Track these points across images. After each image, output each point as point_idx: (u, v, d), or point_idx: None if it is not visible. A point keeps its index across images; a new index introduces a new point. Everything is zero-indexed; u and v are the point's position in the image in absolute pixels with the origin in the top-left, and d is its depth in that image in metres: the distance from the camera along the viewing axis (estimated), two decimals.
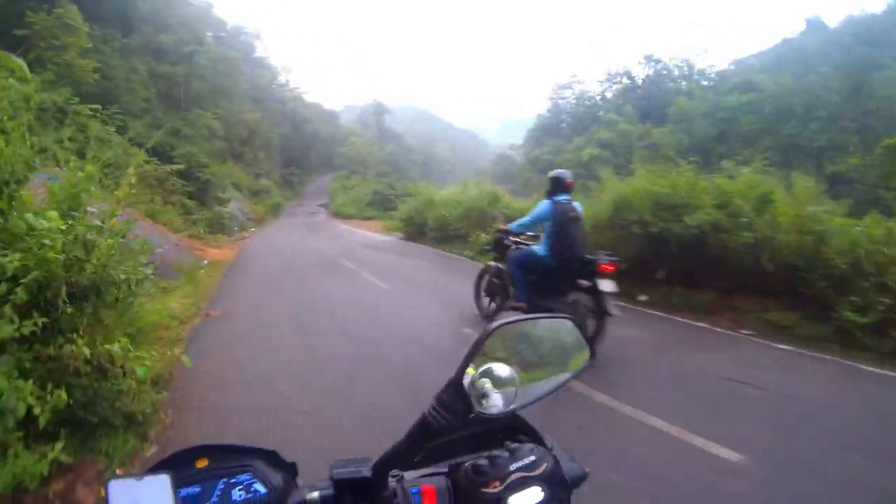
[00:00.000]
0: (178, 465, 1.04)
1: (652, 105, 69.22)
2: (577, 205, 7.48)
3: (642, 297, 10.32)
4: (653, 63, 76.48)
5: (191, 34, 45.83)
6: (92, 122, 16.09)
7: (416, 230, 23.00)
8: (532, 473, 0.95)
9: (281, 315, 9.69)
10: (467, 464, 0.98)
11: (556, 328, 1.12)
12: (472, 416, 0.89)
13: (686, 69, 75.04)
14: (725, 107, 56.97)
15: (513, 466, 0.95)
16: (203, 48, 45.13)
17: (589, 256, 6.99)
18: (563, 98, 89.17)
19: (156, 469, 0.98)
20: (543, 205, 7.38)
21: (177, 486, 0.90)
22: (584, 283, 6.86)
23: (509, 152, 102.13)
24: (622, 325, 7.25)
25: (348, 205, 43.74)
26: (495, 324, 0.95)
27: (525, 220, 7.78)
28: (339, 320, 9.26)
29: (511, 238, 8.21)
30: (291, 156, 69.36)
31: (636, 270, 10.28)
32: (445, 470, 1.04)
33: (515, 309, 7.46)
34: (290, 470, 1.11)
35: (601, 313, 6.70)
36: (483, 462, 0.97)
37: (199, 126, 37.75)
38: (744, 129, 52.90)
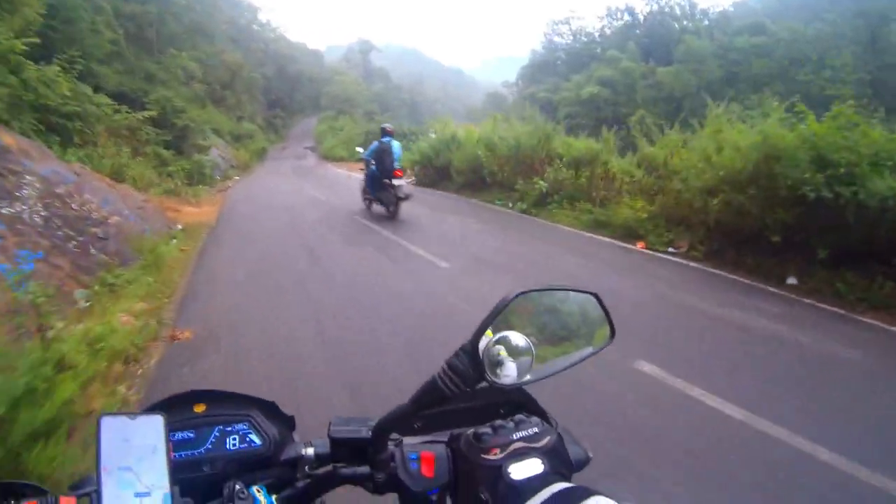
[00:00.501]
0: (174, 407, 1.04)
1: (655, 43, 66.11)
2: (393, 143, 13.91)
3: (791, 281, 8.56)
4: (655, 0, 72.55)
5: None
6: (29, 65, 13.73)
7: (435, 175, 20.80)
8: (534, 445, 0.90)
9: (298, 337, 6.10)
10: (469, 431, 0.94)
11: (578, 302, 1.03)
12: (482, 384, 0.84)
13: (688, 8, 71.39)
14: (736, 48, 54.67)
15: (515, 436, 0.90)
16: None
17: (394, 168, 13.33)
18: (559, 34, 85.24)
19: (152, 409, 0.96)
20: (374, 144, 14.40)
21: (171, 428, 0.89)
22: (387, 181, 13.41)
23: (501, 90, 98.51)
24: (776, 322, 6.71)
25: (338, 147, 41.33)
26: (516, 291, 0.87)
27: (367, 153, 14.53)
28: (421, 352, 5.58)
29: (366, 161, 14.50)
30: (276, 98, 66.16)
31: (782, 246, 8.59)
32: (445, 440, 1.00)
33: (365, 197, 15.20)
34: (287, 423, 1.11)
35: (396, 198, 13.28)
36: (485, 429, 0.92)
37: (174, 69, 35.01)
38: (754, 72, 51.27)
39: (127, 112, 23.08)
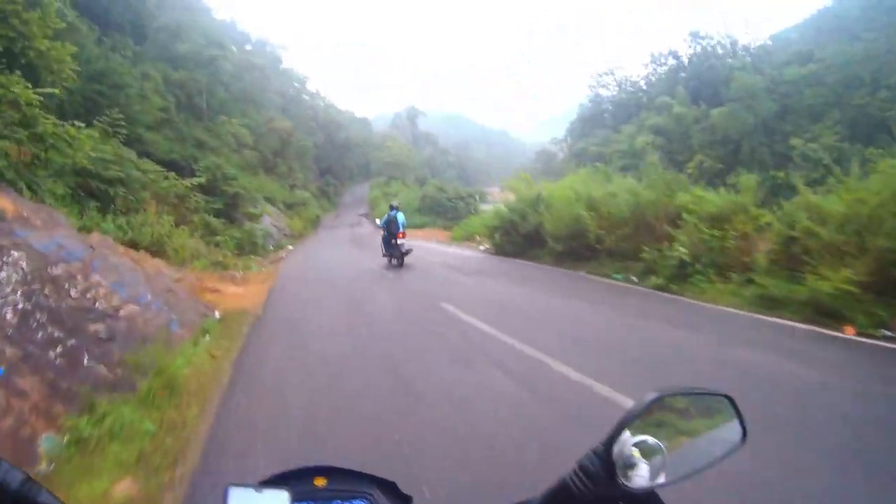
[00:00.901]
0: (296, 479, 1.07)
1: (703, 85, 62.85)
2: (398, 215, 17.40)
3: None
4: (699, 40, 69.65)
5: (212, 43, 41.28)
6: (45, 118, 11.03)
7: (522, 242, 17.16)
8: None
9: None
10: None
11: (711, 404, 1.05)
12: (613, 487, 0.83)
13: (729, 45, 68.21)
14: (787, 80, 51.03)
15: None
16: (225, 52, 40.59)
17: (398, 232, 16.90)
18: (604, 86, 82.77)
19: (275, 480, 1.04)
20: (386, 215, 18.06)
21: (292, 500, 0.90)
22: (394, 242, 16.82)
23: (549, 147, 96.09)
24: None
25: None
26: (652, 395, 0.89)
27: (381, 223, 18.39)
28: None
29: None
30: (327, 165, 64.99)
31: None
32: None
33: (383, 254, 17.62)
34: (405, 502, 1.11)
35: (401, 252, 16.52)
36: None
37: (224, 136, 33.27)
38: (807, 102, 47.82)
39: (175, 179, 21.11)
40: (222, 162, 29.41)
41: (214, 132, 33.47)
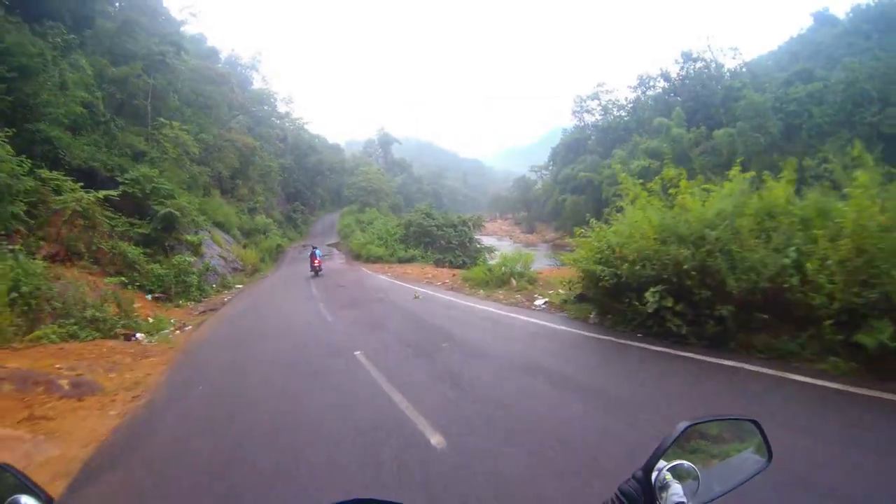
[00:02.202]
0: None
1: (700, 105, 57.75)
2: (316, 251, 24.06)
3: None
4: (691, 61, 64.49)
5: (167, 41, 33.80)
6: None
7: (607, 297, 9.09)
8: None
9: None
10: None
11: (739, 429, 1.11)
12: None
13: (715, 69, 63.35)
14: (792, 98, 47.54)
15: None
16: (180, 52, 33.12)
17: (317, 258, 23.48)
18: (588, 111, 77.18)
19: None
20: (310, 250, 25.22)
21: None
22: (315, 265, 23.07)
23: (530, 175, 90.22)
24: None
25: (372, 243, 31.79)
26: (685, 423, 0.95)
27: (310, 253, 24.30)
28: None
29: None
30: (295, 190, 57.49)
31: None
32: None
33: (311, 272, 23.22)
34: None
35: (316, 271, 23.00)
36: None
37: (167, 146, 25.80)
38: (815, 121, 45.18)
39: (80, 191, 16.30)
40: (155, 174, 22.02)
41: (158, 142, 26.15)
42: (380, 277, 21.31)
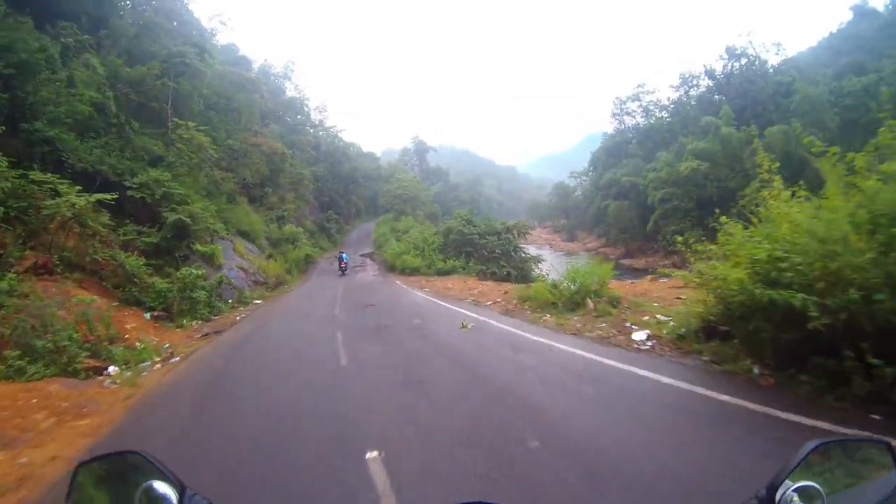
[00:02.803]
0: None
1: (750, 103, 53.44)
2: (343, 255, 29.43)
3: None
4: (735, 58, 60.03)
5: (190, 44, 31.60)
6: None
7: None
8: None
9: None
10: None
11: (867, 449, 1.05)
12: None
13: (759, 65, 58.74)
14: (847, 92, 43.57)
15: None
16: (204, 56, 30.83)
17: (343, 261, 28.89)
18: (628, 113, 73.32)
19: None
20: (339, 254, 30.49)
21: None
22: (343, 265, 28.37)
23: (569, 181, 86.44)
24: None
25: (408, 253, 28.69)
26: (813, 443, 0.92)
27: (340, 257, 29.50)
28: None
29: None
30: (330, 199, 55.14)
31: None
32: None
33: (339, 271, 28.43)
34: None
35: (343, 270, 28.30)
36: None
37: (186, 151, 23.40)
38: (873, 115, 39.24)
39: (75, 194, 13.85)
40: (168, 179, 19.56)
41: (174, 145, 23.81)
42: (416, 294, 18.08)
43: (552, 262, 22.09)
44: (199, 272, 16.50)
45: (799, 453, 0.88)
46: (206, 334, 13.35)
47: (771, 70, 57.96)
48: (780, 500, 0.85)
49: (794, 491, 0.87)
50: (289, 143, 49.87)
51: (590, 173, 77.86)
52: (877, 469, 0.98)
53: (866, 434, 1.49)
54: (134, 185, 18.45)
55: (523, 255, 27.16)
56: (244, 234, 27.29)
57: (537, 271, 26.87)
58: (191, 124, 23.42)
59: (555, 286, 11.21)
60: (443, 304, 14.97)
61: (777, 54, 59.13)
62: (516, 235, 26.80)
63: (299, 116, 67.90)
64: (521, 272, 24.27)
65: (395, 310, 14.18)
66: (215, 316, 16.22)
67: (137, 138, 21.96)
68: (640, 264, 47.88)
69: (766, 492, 0.86)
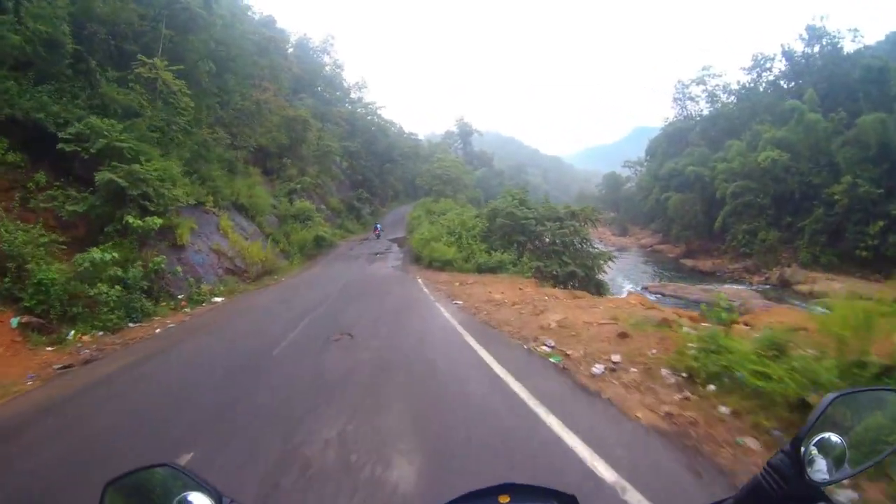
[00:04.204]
0: (483, 497, 1.07)
1: (834, 88, 44.53)
2: (378, 226, 35.38)
3: None
4: (816, 38, 51.00)
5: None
6: None
7: None
8: None
9: None
10: None
11: (885, 399, 1.03)
12: (803, 484, 0.85)
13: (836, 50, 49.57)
14: None
15: None
16: (212, 7, 24.99)
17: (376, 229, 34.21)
18: (691, 98, 64.92)
19: (465, 499, 1.06)
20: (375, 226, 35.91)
21: None
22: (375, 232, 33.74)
23: (622, 171, 78.60)
24: None
25: (439, 240, 21.27)
26: (832, 395, 0.92)
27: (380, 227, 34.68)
28: None
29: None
30: (364, 178, 49.15)
31: None
32: None
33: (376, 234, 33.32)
34: None
35: (377, 236, 33.10)
36: None
37: (137, 89, 17.72)
38: None
39: None
40: (117, 131, 14.04)
41: (135, 89, 18.30)
42: (439, 312, 10.31)
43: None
44: (108, 256, 10.80)
45: (819, 406, 0.87)
46: (68, 366, 7.68)
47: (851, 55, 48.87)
48: (804, 454, 0.84)
49: (815, 444, 0.86)
50: (319, 115, 44.41)
51: (645, 163, 69.92)
52: (892, 414, 0.95)
53: (880, 385, 1.26)
54: (68, 137, 13.08)
55: (591, 249, 20.00)
56: (241, 209, 21.78)
57: (608, 273, 20.45)
58: (158, 62, 17.68)
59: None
60: (499, 341, 7.56)
61: (854, 41, 49.82)
62: (583, 223, 20.41)
63: (338, 93, 62.53)
64: (588, 273, 17.94)
65: (385, 357, 7.01)
66: (134, 323, 10.60)
67: (107, 87, 16.52)
68: (707, 266, 41.02)
69: (791, 446, 0.84)
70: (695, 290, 29.68)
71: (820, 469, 0.87)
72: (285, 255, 22.45)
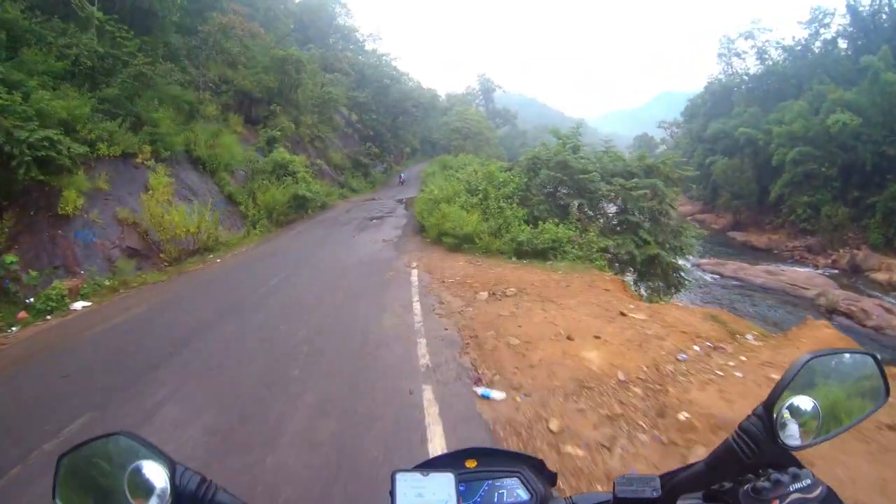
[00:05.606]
0: (450, 462, 1.05)
1: None
2: (402, 175, 36.47)
3: None
4: None
5: None
6: None
7: None
8: (810, 496, 0.83)
9: None
10: (747, 486, 0.85)
11: (857, 363, 0.98)
12: (775, 447, 0.83)
13: None
14: None
15: (792, 487, 0.83)
16: None
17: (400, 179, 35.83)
18: (737, 54, 56.59)
19: (432, 463, 1.03)
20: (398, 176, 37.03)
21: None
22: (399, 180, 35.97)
23: (658, 131, 71.23)
24: None
25: (454, 201, 14.78)
26: (805, 356, 0.88)
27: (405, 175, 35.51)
28: None
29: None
30: (376, 133, 42.64)
31: None
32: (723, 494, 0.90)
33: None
34: (551, 479, 1.08)
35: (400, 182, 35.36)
36: (763, 483, 0.84)
37: None
38: None
39: None
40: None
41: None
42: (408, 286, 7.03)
43: None
44: None
45: (793, 368, 0.84)
46: None
47: None
48: (777, 418, 0.81)
49: (787, 407, 0.83)
50: (326, 65, 38.65)
51: (682, 124, 62.65)
52: (866, 380, 0.93)
53: (852, 348, 1.03)
54: None
55: (677, 225, 13.08)
56: (196, 163, 16.46)
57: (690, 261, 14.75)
58: None
59: None
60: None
61: None
62: (666, 183, 12.96)
63: (352, 47, 56.38)
64: (673, 256, 12.06)
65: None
66: None
67: None
68: (761, 242, 34.68)
69: (763, 409, 0.82)
70: (758, 272, 24.10)
71: (792, 434, 0.82)
72: (252, 222, 17.03)
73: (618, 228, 12.52)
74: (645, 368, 4.75)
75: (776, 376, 3.01)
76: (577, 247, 11.06)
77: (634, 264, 11.43)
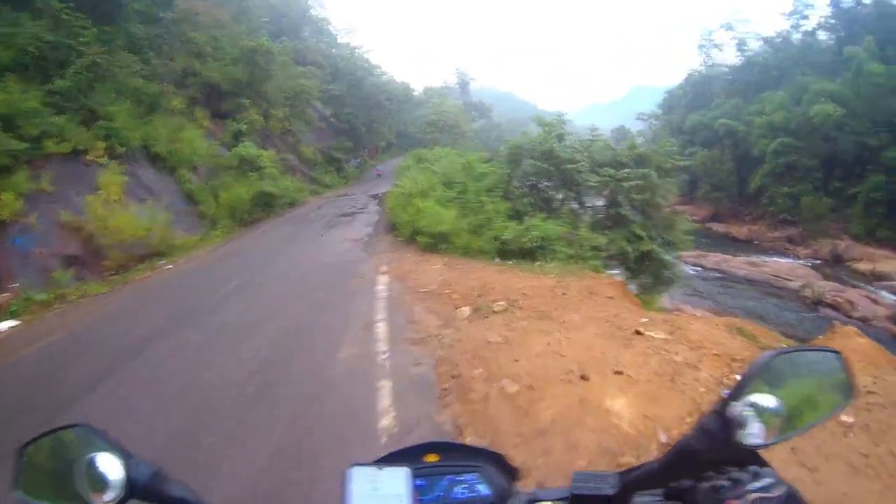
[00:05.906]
0: (410, 457, 1.02)
1: (890, 39, 37.22)
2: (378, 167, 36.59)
3: None
4: None
5: None
6: None
7: None
8: (771, 495, 0.81)
9: None
10: (706, 484, 0.83)
11: (821, 361, 0.95)
12: (731, 446, 0.80)
13: None
14: None
15: (751, 487, 0.80)
16: None
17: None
18: (716, 46, 56.13)
19: (390, 458, 1.01)
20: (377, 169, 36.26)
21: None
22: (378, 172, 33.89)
23: (635, 124, 70.77)
24: None
25: (429, 195, 13.65)
26: (768, 353, 0.85)
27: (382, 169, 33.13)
28: None
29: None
30: (350, 127, 41.84)
31: None
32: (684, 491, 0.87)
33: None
34: (513, 474, 1.06)
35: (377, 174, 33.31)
36: (722, 482, 0.82)
37: None
38: None
39: None
40: None
41: None
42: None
43: None
44: None
45: (755, 364, 0.81)
46: None
47: None
48: (735, 414, 0.78)
49: (750, 404, 0.79)
50: (296, 55, 37.47)
51: (660, 116, 62.36)
52: (832, 378, 0.91)
53: (817, 346, 1.04)
54: None
55: (669, 218, 12.35)
56: (155, 160, 15.39)
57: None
58: None
59: None
60: None
61: None
62: (658, 173, 12.28)
63: (326, 40, 55.14)
64: (661, 254, 11.21)
65: None
66: None
67: None
68: (742, 233, 35.27)
69: (724, 405, 0.79)
70: (741, 264, 23.96)
71: (752, 432, 0.78)
72: (212, 222, 16.00)
73: (608, 223, 11.73)
74: (689, 420, 3.68)
75: None
76: (567, 245, 10.28)
77: (627, 262, 10.68)
